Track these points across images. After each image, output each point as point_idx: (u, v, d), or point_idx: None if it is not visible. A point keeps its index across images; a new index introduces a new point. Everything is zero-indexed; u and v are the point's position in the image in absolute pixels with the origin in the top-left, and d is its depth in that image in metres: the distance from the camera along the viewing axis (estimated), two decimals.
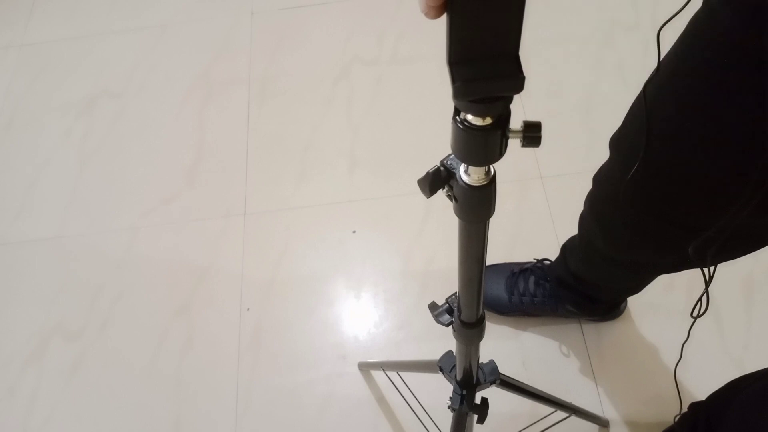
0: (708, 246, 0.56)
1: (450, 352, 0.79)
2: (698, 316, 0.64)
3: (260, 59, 1.56)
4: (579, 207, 0.90)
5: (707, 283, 0.61)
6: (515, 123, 0.33)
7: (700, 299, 0.64)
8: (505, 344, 1.15)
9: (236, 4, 1.66)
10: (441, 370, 0.78)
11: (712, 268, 0.61)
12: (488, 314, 0.91)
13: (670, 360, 1.11)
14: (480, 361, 0.73)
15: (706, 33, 0.52)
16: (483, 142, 0.33)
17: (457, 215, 0.42)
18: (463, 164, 0.38)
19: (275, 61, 1.56)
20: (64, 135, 1.50)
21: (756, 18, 0.45)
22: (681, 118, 0.58)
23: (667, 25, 0.53)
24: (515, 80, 0.28)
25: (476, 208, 0.40)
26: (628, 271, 0.90)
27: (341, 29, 1.58)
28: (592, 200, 0.84)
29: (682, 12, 0.51)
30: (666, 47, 0.57)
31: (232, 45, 1.60)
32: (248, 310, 1.23)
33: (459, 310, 0.58)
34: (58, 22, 1.71)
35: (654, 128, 0.60)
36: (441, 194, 0.41)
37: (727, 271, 0.64)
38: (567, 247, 1.03)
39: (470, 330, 0.60)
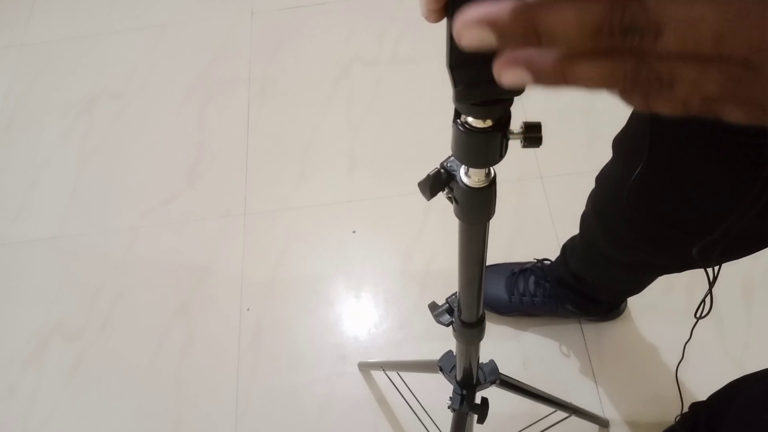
0: (712, 247, 0.56)
1: (450, 352, 0.79)
2: (702, 316, 0.64)
3: (260, 59, 1.56)
4: (579, 207, 0.90)
5: (711, 284, 0.61)
6: (515, 124, 0.33)
7: (703, 300, 0.64)
8: (505, 344, 1.15)
9: (236, 4, 1.66)
10: (441, 370, 0.78)
11: (716, 269, 0.61)
12: (488, 314, 0.92)
13: (670, 360, 1.11)
14: (480, 361, 0.73)
15: None
16: (484, 145, 0.33)
17: (457, 217, 0.42)
18: (463, 166, 0.38)
19: (275, 61, 1.56)
20: (64, 135, 1.50)
21: None
22: (685, 119, 0.57)
23: None
24: None
25: (476, 209, 0.41)
26: (629, 271, 0.90)
27: (341, 29, 1.58)
28: (594, 200, 0.84)
29: None
30: None
31: (232, 45, 1.60)
32: (248, 310, 1.23)
33: (459, 310, 0.58)
34: (58, 22, 1.70)
35: (658, 129, 0.60)
36: (441, 194, 0.41)
37: (726, 270, 0.64)
38: (567, 247, 1.03)
39: (470, 330, 0.60)
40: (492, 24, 0.21)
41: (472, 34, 0.21)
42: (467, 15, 0.21)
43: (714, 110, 0.21)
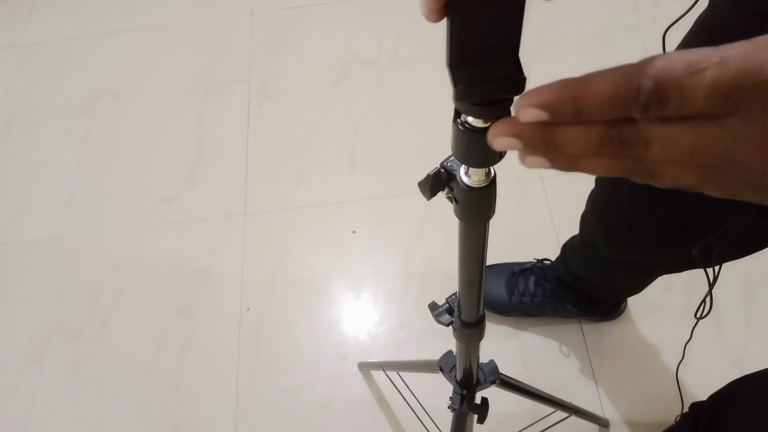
0: (712, 247, 0.56)
1: (450, 352, 0.79)
2: (702, 317, 0.64)
3: (260, 59, 1.56)
4: (579, 207, 0.90)
5: (711, 284, 0.61)
6: None
7: (704, 300, 0.64)
8: (505, 344, 1.15)
9: (236, 4, 1.66)
10: (441, 370, 0.78)
11: (716, 270, 0.61)
12: (488, 314, 0.91)
13: (670, 360, 1.11)
14: (480, 361, 0.73)
15: (712, 36, 0.52)
16: (484, 144, 0.33)
17: (457, 217, 0.42)
18: (463, 166, 0.38)
19: (275, 61, 1.56)
20: (64, 135, 1.50)
21: (762, 24, 0.45)
22: None
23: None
24: (516, 82, 0.28)
25: (476, 209, 0.40)
26: (629, 271, 0.90)
27: (341, 29, 1.58)
28: (594, 201, 0.84)
29: (684, 12, 0.51)
30: (669, 48, 0.57)
31: (232, 45, 1.60)
32: (248, 310, 1.23)
33: (459, 310, 0.58)
34: (58, 22, 1.70)
35: None
36: (441, 194, 0.41)
37: (726, 270, 0.64)
38: (567, 247, 1.03)
39: (470, 330, 0.60)
40: (518, 137, 0.27)
41: (504, 143, 0.27)
42: (498, 129, 0.27)
43: (695, 189, 0.26)
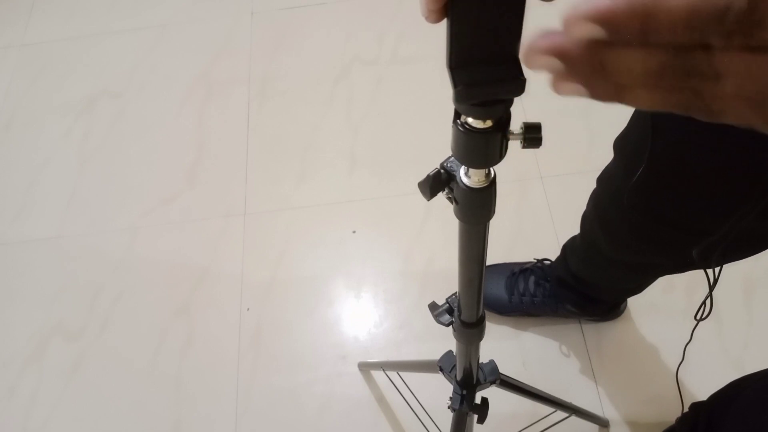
0: (712, 249, 0.56)
1: (450, 352, 0.79)
2: (702, 318, 0.64)
3: (260, 59, 1.56)
4: (579, 207, 0.90)
5: (711, 286, 0.61)
6: (515, 124, 0.33)
7: (704, 302, 0.63)
8: (505, 344, 1.15)
9: (236, 4, 1.66)
10: (441, 370, 0.78)
11: (717, 271, 0.61)
12: (488, 314, 0.91)
13: (670, 360, 1.11)
14: (480, 361, 0.73)
15: None
16: (484, 145, 0.33)
17: (457, 217, 0.42)
18: (463, 166, 0.38)
19: (275, 61, 1.55)
20: (64, 135, 1.50)
21: None
22: (686, 121, 0.57)
23: None
24: (516, 83, 0.28)
25: (476, 210, 0.40)
26: (630, 271, 0.90)
27: (341, 29, 1.58)
28: (595, 201, 0.84)
29: None
30: None
31: (232, 45, 1.60)
32: (248, 310, 1.23)
33: (459, 310, 0.58)
34: (58, 22, 1.70)
35: (659, 131, 0.60)
36: (441, 194, 0.41)
37: (727, 271, 0.64)
38: (568, 247, 1.03)
39: (470, 330, 0.60)
40: (560, 55, 0.22)
41: (540, 62, 0.22)
42: (537, 44, 0.22)
43: (748, 127, 0.21)
